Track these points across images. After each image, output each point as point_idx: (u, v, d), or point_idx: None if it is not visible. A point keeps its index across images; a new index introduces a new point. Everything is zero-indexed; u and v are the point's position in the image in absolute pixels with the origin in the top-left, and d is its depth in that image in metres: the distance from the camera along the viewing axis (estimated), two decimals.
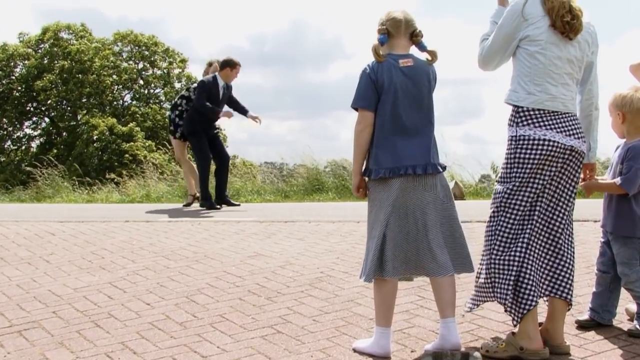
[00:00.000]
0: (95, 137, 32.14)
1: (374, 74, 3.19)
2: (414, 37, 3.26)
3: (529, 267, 3.07)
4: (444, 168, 3.29)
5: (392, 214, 3.15)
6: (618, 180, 3.36)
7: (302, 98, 58.44)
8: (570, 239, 3.20)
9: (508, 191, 3.11)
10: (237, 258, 5.24)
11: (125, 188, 13.08)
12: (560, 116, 3.11)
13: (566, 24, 3.06)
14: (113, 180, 13.83)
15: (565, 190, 3.16)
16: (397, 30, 3.23)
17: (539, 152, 3.06)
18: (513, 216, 3.11)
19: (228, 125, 43.04)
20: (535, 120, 3.09)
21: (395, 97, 3.17)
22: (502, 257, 3.09)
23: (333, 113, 57.38)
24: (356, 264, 4.87)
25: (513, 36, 3.12)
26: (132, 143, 31.06)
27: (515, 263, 3.07)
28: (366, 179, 3.28)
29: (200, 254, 5.44)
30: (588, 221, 6.03)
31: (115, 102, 36.19)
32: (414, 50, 3.30)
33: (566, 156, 3.11)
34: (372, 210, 3.26)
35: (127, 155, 29.75)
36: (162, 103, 36.22)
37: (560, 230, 3.16)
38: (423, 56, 3.30)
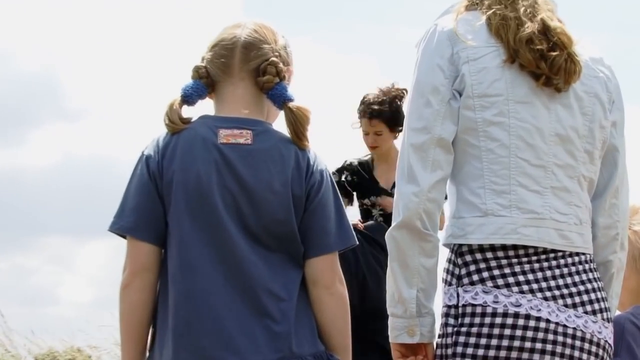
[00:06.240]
0: None
1: None
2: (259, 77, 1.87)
3: None
4: None
5: None
6: None
7: None
8: None
9: None
10: None
11: None
12: (551, 260, 1.79)
13: (540, 57, 1.76)
14: None
15: None
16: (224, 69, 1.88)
17: (503, 338, 1.71)
18: None
19: None
20: (495, 270, 1.75)
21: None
22: None
23: None
24: None
25: (448, 85, 1.77)
26: None
27: None
28: None
29: None
30: None
31: None
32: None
33: (558, 346, 1.74)
34: None
35: None
36: None
37: None
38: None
